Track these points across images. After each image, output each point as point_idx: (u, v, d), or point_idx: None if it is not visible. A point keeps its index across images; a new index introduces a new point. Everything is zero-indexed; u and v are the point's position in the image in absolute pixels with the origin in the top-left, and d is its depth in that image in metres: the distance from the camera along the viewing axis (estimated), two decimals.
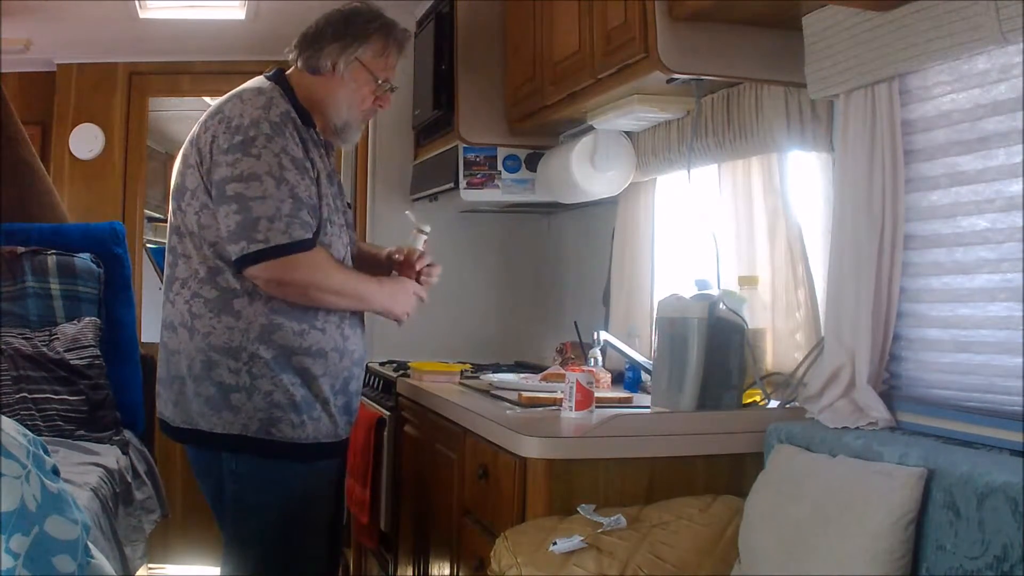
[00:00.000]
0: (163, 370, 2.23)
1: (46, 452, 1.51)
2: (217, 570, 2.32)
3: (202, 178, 2.13)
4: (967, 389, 1.75)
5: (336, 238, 2.21)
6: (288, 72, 2.29)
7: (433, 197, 3.51)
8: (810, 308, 2.19)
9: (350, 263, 2.32)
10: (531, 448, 1.87)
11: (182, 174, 2.18)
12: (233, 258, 2.08)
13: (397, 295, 2.30)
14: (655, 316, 2.32)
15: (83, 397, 3.01)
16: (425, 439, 2.57)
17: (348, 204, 2.39)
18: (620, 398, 2.34)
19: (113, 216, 4.01)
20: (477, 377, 2.85)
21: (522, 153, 3.18)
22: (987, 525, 1.39)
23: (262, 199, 2.06)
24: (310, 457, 2.19)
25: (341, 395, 2.24)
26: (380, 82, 2.29)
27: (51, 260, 3.24)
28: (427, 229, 2.40)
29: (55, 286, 3.23)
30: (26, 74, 4.37)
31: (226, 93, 2.23)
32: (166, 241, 2.25)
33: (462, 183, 3.14)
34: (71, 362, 3.04)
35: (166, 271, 2.24)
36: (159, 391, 2.26)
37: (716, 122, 2.39)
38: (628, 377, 2.64)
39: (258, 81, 2.26)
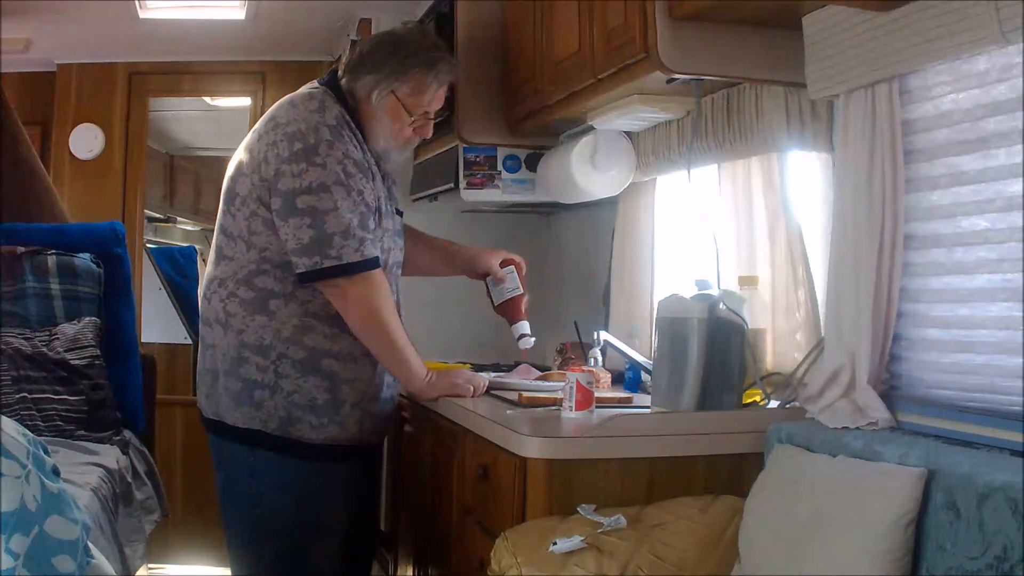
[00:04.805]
0: (200, 362, 2.30)
1: (46, 452, 1.51)
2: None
3: (253, 185, 2.14)
4: (967, 389, 1.75)
5: (380, 241, 2.22)
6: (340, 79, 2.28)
7: (433, 197, 3.51)
8: (810, 308, 2.18)
9: (397, 271, 2.34)
10: (531, 448, 1.87)
11: (234, 180, 2.20)
12: (302, 270, 2.11)
13: (437, 380, 2.31)
14: (655, 316, 2.32)
15: (83, 397, 3.01)
16: (425, 439, 2.57)
17: (398, 211, 2.38)
18: (620, 398, 2.33)
19: (113, 216, 4.01)
20: None
21: (522, 153, 3.18)
22: (987, 525, 1.39)
23: (335, 211, 2.09)
24: (325, 458, 2.21)
25: (373, 401, 2.26)
26: (414, 119, 2.28)
27: (51, 260, 3.24)
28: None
29: (55, 286, 3.22)
30: (26, 74, 4.38)
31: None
32: (212, 240, 2.28)
33: (462, 183, 3.14)
34: (71, 362, 3.04)
35: (208, 268, 2.27)
36: (198, 381, 2.34)
37: (716, 122, 2.39)
38: (628, 377, 2.63)
39: (309, 86, 2.26)
